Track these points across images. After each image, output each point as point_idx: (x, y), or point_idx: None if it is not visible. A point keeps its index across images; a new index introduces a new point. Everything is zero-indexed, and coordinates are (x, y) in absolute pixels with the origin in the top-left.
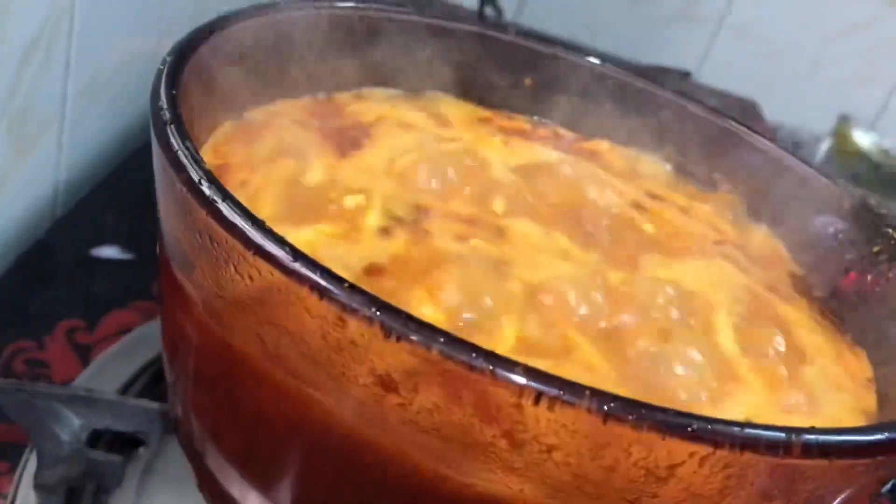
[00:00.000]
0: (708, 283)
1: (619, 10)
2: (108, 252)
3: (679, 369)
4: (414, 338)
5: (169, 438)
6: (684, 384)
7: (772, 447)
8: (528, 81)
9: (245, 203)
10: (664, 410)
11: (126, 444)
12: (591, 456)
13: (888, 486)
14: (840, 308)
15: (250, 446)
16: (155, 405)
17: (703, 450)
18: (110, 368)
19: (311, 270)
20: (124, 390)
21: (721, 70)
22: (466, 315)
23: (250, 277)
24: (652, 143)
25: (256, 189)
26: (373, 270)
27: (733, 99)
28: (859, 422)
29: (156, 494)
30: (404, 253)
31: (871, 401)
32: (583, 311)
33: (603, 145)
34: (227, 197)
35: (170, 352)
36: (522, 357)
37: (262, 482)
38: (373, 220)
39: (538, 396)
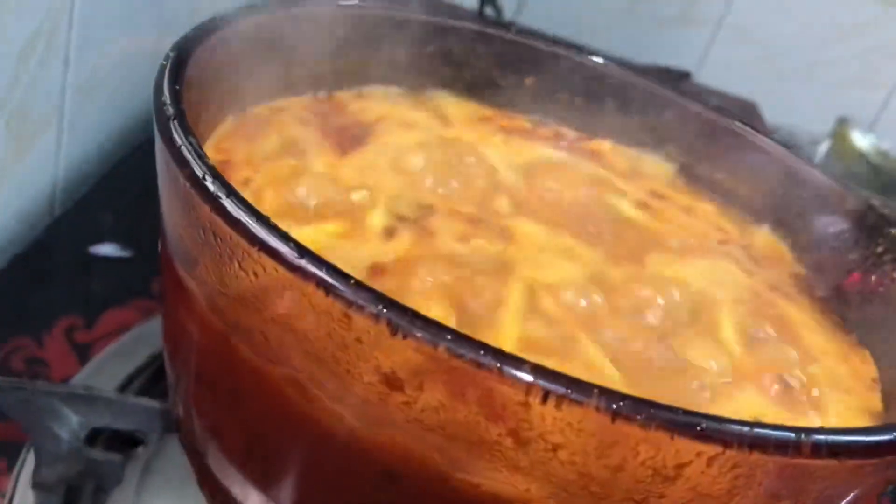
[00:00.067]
0: (712, 282)
1: (618, 10)
2: (107, 250)
3: (682, 369)
4: (420, 335)
5: (168, 437)
6: (688, 384)
7: (781, 447)
8: (529, 80)
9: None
10: (673, 409)
11: (124, 443)
12: (598, 455)
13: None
14: (843, 308)
15: (252, 445)
16: (155, 403)
17: (711, 449)
18: (109, 367)
19: (316, 267)
20: (123, 389)
21: (720, 71)
22: (469, 314)
23: (254, 274)
24: (654, 143)
25: (259, 187)
26: (377, 270)
27: (733, 100)
28: (864, 422)
29: (155, 494)
30: (409, 252)
31: (876, 401)
32: (586, 310)
33: (605, 145)
34: (232, 193)
35: (171, 350)
36: (525, 356)
37: (264, 481)
38: (377, 219)
39: (546, 394)
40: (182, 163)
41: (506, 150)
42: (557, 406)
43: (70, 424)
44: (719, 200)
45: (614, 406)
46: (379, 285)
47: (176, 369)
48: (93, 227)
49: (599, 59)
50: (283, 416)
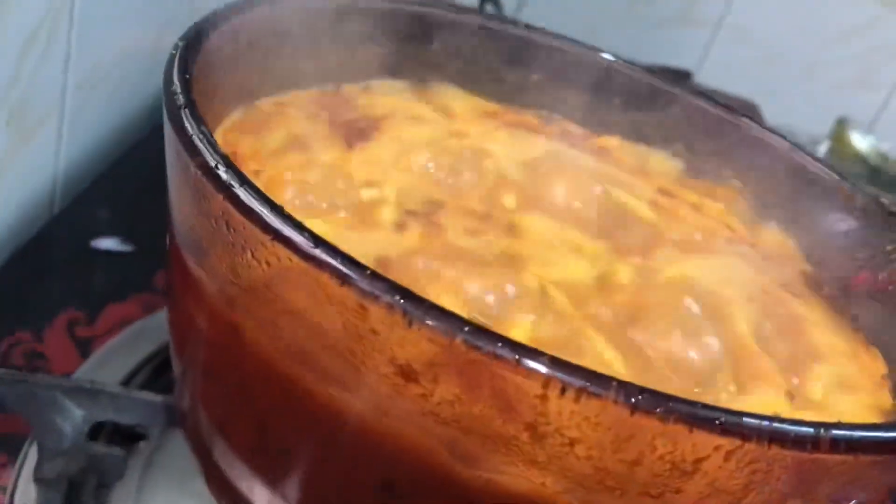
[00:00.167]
0: (722, 280)
1: (618, 10)
2: (108, 244)
3: (694, 366)
4: (437, 326)
5: (170, 432)
6: (699, 381)
7: (799, 442)
8: (536, 76)
9: None
10: (692, 403)
11: (126, 437)
12: (615, 449)
13: None
14: (852, 306)
15: (260, 439)
16: (158, 398)
17: (730, 443)
18: (111, 361)
19: (331, 256)
20: (125, 383)
21: (719, 72)
22: (480, 309)
23: (268, 263)
24: (662, 140)
25: (269, 179)
26: (383, 263)
27: (733, 100)
28: (875, 420)
29: (157, 489)
30: (417, 246)
31: (886, 399)
32: (597, 306)
33: (612, 141)
34: (245, 182)
35: (178, 343)
36: None
37: (271, 476)
38: (388, 213)
39: (563, 387)
40: (194, 152)
41: (513, 146)
42: (575, 399)
43: (73, 418)
44: (726, 197)
45: (633, 399)
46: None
47: (182, 363)
48: (94, 222)
49: (608, 56)
50: (292, 409)
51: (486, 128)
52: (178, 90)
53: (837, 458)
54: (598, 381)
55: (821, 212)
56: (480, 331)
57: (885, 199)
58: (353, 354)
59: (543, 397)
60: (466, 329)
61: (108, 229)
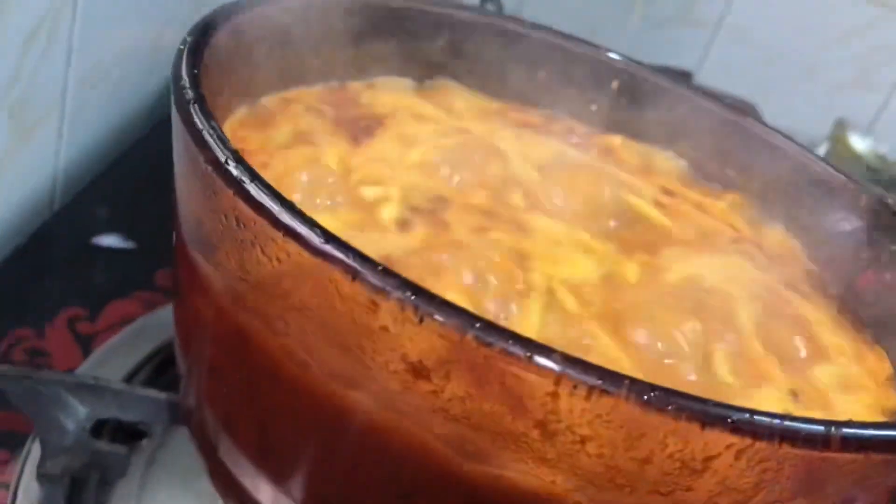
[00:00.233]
0: (728, 279)
1: (617, 10)
2: (110, 241)
3: (701, 365)
4: (449, 322)
5: (173, 430)
6: (706, 380)
7: (810, 440)
8: (541, 74)
9: None
10: (704, 401)
11: (129, 435)
12: (626, 447)
13: None
14: (857, 306)
15: (266, 437)
16: (162, 395)
17: (741, 442)
18: (112, 359)
19: (342, 252)
20: (127, 381)
21: (718, 72)
22: (486, 307)
23: (278, 259)
24: (666, 139)
25: (277, 174)
26: (390, 260)
27: (733, 101)
28: (881, 420)
29: (159, 487)
30: (424, 244)
31: (891, 399)
32: (604, 304)
33: (616, 140)
34: (256, 177)
35: (184, 340)
36: None
37: (277, 474)
38: (393, 210)
39: (575, 385)
40: (204, 147)
41: (518, 144)
42: (587, 397)
43: (76, 415)
44: (731, 197)
45: (645, 397)
46: None
47: (188, 360)
48: (94, 219)
49: (613, 55)
50: (300, 407)
51: (491, 126)
52: (188, 85)
53: (847, 456)
54: (610, 378)
55: (825, 211)
56: (492, 327)
57: (891, 199)
58: (362, 351)
59: (554, 394)
60: (478, 325)
61: (109, 226)
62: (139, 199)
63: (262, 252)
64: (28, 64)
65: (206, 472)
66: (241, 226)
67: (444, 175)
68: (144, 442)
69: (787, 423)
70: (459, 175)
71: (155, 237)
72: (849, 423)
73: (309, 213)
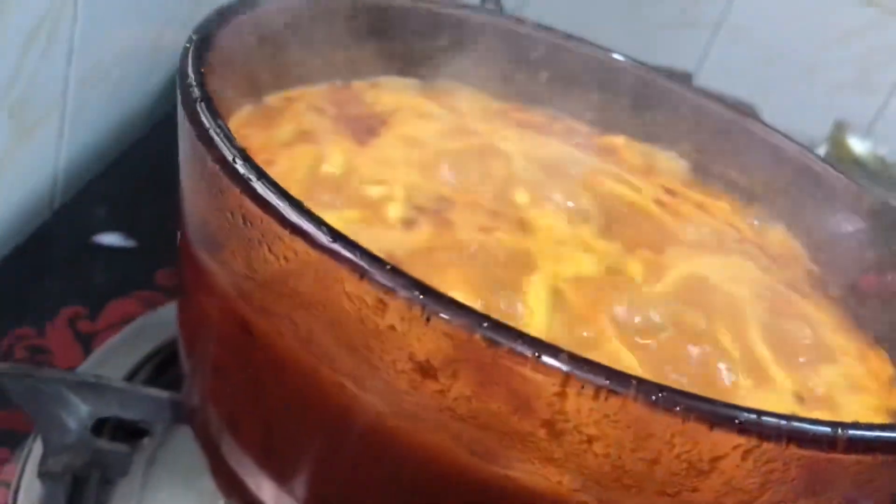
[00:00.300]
0: (731, 278)
1: (618, 11)
2: (110, 239)
3: (707, 366)
4: (456, 321)
5: (174, 429)
6: (712, 380)
7: (817, 441)
8: (543, 75)
9: None
10: (711, 401)
11: (130, 433)
12: (634, 448)
13: None
14: (859, 307)
15: (270, 436)
16: (164, 394)
17: (748, 442)
18: (113, 357)
19: (350, 250)
20: (128, 380)
21: (718, 74)
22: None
23: (285, 258)
24: (668, 140)
25: (281, 172)
26: (395, 259)
27: (732, 102)
28: (884, 421)
29: (161, 485)
30: (429, 243)
31: (894, 400)
32: (609, 303)
33: (618, 141)
34: (263, 175)
35: (188, 339)
36: None
37: (281, 473)
38: (398, 209)
39: (583, 385)
40: (210, 145)
41: (521, 144)
42: (594, 397)
43: (78, 413)
44: (733, 198)
45: (653, 397)
46: None
47: (192, 359)
48: (95, 218)
49: (616, 55)
50: (305, 406)
51: (495, 126)
52: (194, 83)
53: (853, 457)
54: (617, 378)
55: (827, 212)
56: (500, 326)
57: (893, 200)
58: (369, 350)
59: (562, 394)
60: (485, 325)
61: (110, 225)
62: (139, 198)
63: (269, 250)
64: (28, 64)
65: (209, 470)
66: (248, 224)
67: (448, 174)
68: (146, 440)
69: (794, 424)
70: (463, 174)
71: (155, 236)
72: (855, 425)
73: (317, 211)
